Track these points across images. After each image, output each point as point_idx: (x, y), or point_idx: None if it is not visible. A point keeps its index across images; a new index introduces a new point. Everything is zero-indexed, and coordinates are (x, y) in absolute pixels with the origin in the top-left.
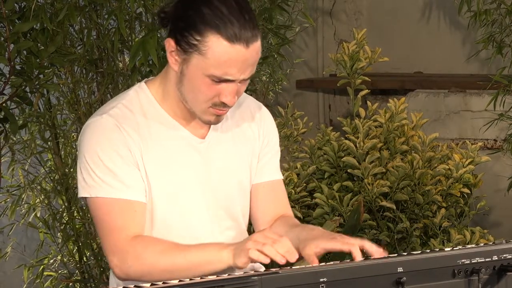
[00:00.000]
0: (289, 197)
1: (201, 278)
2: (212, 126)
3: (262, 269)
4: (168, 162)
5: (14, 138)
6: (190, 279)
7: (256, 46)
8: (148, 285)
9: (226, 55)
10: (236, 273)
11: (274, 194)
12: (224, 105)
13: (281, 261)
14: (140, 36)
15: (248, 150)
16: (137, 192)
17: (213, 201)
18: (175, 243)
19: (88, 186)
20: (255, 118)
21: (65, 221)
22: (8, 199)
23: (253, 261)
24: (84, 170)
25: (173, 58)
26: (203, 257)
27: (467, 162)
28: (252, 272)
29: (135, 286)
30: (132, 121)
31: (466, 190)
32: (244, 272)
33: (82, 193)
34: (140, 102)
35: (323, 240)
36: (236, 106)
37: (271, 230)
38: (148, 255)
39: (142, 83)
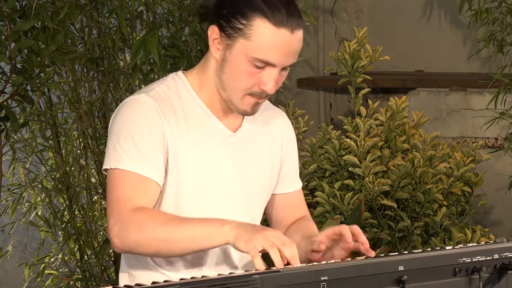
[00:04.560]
0: None
1: (202, 276)
2: (244, 120)
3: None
4: (199, 152)
5: (15, 137)
6: (192, 278)
7: (300, 35)
8: (149, 283)
9: (271, 38)
10: (237, 272)
11: (297, 202)
12: (262, 94)
13: (280, 265)
14: (141, 35)
15: (272, 152)
16: (155, 172)
17: (237, 199)
18: (178, 216)
19: (110, 158)
20: (280, 123)
21: (66, 220)
22: (9, 198)
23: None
24: (111, 144)
25: (215, 46)
26: (203, 230)
27: (468, 161)
28: (254, 270)
29: (136, 285)
30: (170, 106)
31: (467, 189)
32: (245, 271)
33: (104, 165)
34: (177, 88)
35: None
36: (264, 108)
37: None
38: (148, 224)
39: (179, 72)
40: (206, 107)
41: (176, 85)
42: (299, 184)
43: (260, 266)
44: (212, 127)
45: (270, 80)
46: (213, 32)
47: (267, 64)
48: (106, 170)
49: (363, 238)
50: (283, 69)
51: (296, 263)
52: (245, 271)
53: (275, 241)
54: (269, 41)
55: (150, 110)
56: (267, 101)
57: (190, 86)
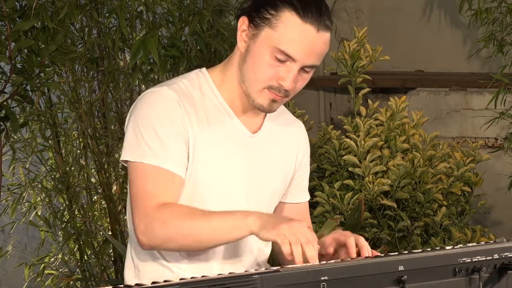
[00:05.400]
0: None
1: (202, 276)
2: (264, 122)
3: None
4: (217, 150)
5: (15, 137)
6: (192, 277)
7: (325, 37)
8: (149, 283)
9: (295, 31)
10: (237, 272)
11: (303, 213)
12: (280, 89)
13: (300, 262)
14: (141, 35)
15: (287, 159)
16: (179, 166)
17: (251, 199)
18: (202, 209)
19: (133, 150)
20: (298, 134)
21: (66, 220)
22: (9, 198)
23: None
24: (132, 134)
25: (242, 38)
26: (228, 222)
27: (468, 161)
28: (253, 270)
29: (136, 285)
30: (191, 101)
31: (467, 189)
32: (245, 271)
33: (124, 156)
34: (200, 85)
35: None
36: (280, 113)
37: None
38: (174, 220)
39: (203, 69)
40: (227, 105)
41: (199, 81)
42: (307, 196)
43: (288, 251)
44: (232, 127)
45: (289, 76)
46: (243, 23)
47: (288, 57)
48: (126, 161)
49: (366, 251)
50: (304, 70)
51: (315, 262)
52: (245, 271)
53: (301, 237)
54: (293, 34)
55: (172, 103)
56: (286, 109)
57: (212, 83)
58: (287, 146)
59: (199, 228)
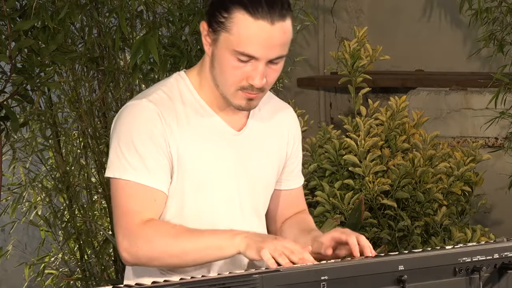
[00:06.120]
0: None
1: (202, 276)
2: (249, 118)
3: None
4: (203, 152)
5: (15, 136)
6: (192, 277)
7: (284, 26)
8: (149, 283)
9: (249, 30)
10: (237, 271)
11: (298, 198)
12: (252, 88)
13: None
14: (141, 34)
15: (278, 149)
16: (161, 182)
17: (244, 197)
18: (187, 227)
19: (114, 167)
20: (287, 119)
21: (66, 219)
22: (9, 197)
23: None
24: (114, 151)
25: (206, 42)
26: (214, 242)
27: (468, 160)
28: (253, 270)
29: (136, 284)
30: (171, 109)
31: (467, 188)
32: (245, 270)
33: (107, 173)
34: (180, 89)
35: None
36: (263, 103)
37: (291, 240)
38: (159, 240)
39: (182, 72)
40: (208, 106)
41: (178, 85)
42: (301, 180)
43: (273, 266)
44: (215, 127)
45: (256, 74)
46: (203, 28)
47: (250, 57)
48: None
49: (369, 251)
50: (272, 62)
51: (307, 262)
52: (245, 270)
53: (284, 250)
54: (248, 34)
55: (152, 117)
56: (272, 95)
57: (191, 86)
58: (277, 135)
59: (185, 247)
